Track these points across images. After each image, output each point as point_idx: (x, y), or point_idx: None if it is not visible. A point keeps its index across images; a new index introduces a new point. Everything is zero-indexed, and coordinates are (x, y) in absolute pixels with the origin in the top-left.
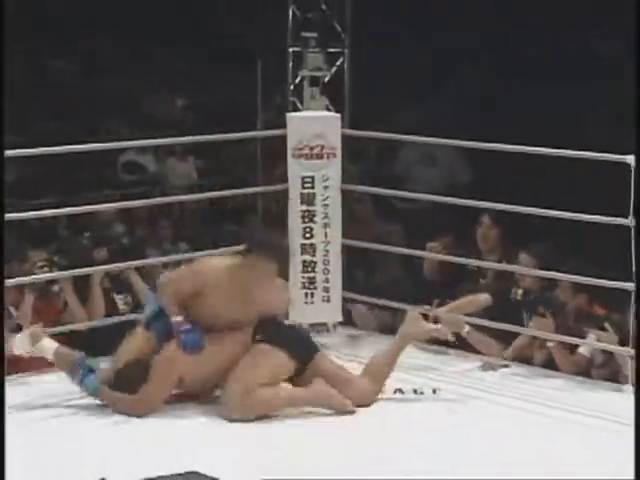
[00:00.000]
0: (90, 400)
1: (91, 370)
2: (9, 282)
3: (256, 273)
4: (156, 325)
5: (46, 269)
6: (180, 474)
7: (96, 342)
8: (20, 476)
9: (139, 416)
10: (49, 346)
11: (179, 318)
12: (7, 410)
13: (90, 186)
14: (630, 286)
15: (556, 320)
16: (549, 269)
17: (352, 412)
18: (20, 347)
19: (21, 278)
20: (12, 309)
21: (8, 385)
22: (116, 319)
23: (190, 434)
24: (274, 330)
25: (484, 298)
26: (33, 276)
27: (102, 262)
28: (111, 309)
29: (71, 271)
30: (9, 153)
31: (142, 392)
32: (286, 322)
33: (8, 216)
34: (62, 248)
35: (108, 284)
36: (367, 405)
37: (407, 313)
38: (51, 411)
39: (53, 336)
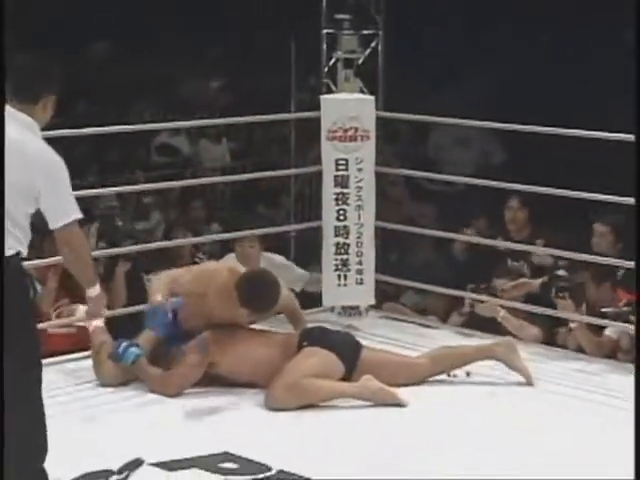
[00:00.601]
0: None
1: (132, 344)
2: (36, 262)
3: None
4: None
5: None
6: (213, 454)
7: (118, 330)
8: (55, 455)
9: (168, 394)
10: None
11: (158, 298)
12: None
13: (122, 168)
14: None
15: (575, 302)
16: (577, 251)
17: (403, 405)
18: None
19: (42, 260)
20: (38, 285)
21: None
22: (138, 308)
23: (224, 417)
24: (320, 334)
25: (537, 283)
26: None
27: (127, 251)
28: (137, 290)
29: (100, 251)
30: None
31: (174, 371)
32: (329, 327)
33: None
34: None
35: (135, 265)
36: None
37: (506, 339)
38: (83, 392)
39: None
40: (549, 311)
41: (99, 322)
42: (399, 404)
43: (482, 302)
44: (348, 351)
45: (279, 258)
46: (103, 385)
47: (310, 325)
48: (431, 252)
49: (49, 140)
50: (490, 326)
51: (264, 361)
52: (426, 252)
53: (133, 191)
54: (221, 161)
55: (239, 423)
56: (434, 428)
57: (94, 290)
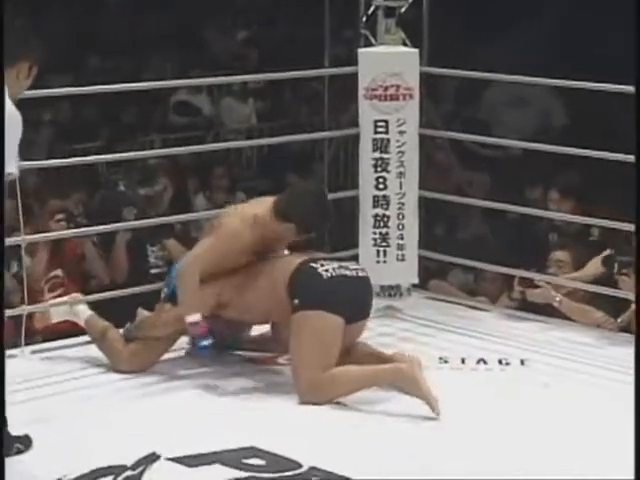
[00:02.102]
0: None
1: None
2: (21, 239)
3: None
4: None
5: (63, 223)
6: (238, 449)
7: (118, 306)
8: (63, 448)
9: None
10: (83, 312)
11: (195, 319)
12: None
13: (136, 130)
14: None
15: None
16: None
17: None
18: (57, 314)
19: (32, 236)
20: (27, 258)
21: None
22: (143, 288)
23: (252, 407)
24: (309, 287)
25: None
26: (45, 234)
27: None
28: (141, 262)
29: (88, 229)
30: (57, 91)
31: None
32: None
33: (48, 162)
34: (86, 200)
35: (140, 235)
36: None
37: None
38: (89, 378)
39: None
40: (611, 291)
41: (83, 309)
42: (431, 407)
43: (534, 287)
44: (343, 306)
45: None
46: (119, 371)
47: (303, 261)
48: (482, 225)
49: (57, 98)
50: (544, 309)
51: (270, 299)
52: (476, 225)
53: (147, 157)
54: (247, 123)
55: (268, 414)
56: (469, 422)
57: None
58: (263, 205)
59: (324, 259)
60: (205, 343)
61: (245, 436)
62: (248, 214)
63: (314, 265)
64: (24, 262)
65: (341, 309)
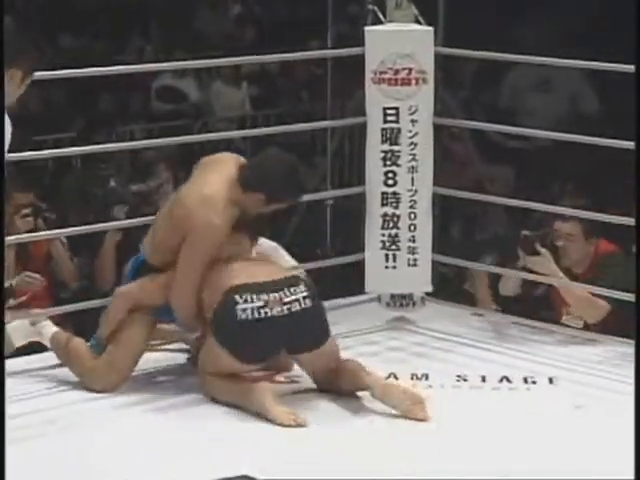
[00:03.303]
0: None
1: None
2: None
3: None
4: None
5: (30, 219)
6: (228, 478)
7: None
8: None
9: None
10: (48, 328)
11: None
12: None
13: (114, 119)
14: None
15: None
16: None
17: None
18: (19, 337)
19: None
20: None
21: None
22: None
23: (243, 434)
24: (221, 323)
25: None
26: (14, 236)
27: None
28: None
29: (57, 231)
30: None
31: None
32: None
33: (16, 155)
34: (51, 194)
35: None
36: None
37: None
38: (64, 402)
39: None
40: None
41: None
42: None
43: (535, 254)
44: (255, 355)
45: (268, 244)
46: (91, 390)
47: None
48: (504, 226)
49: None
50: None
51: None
52: (497, 226)
53: (126, 148)
54: (239, 110)
55: (260, 441)
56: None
57: None
58: (222, 176)
59: (258, 290)
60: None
61: (236, 464)
62: (216, 192)
63: (237, 298)
64: None
65: (244, 355)
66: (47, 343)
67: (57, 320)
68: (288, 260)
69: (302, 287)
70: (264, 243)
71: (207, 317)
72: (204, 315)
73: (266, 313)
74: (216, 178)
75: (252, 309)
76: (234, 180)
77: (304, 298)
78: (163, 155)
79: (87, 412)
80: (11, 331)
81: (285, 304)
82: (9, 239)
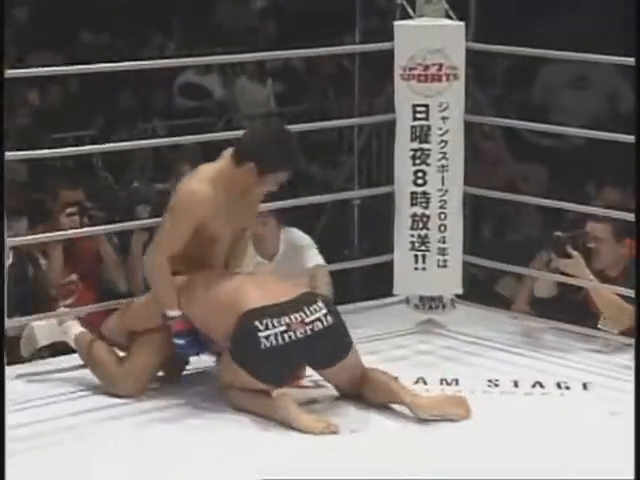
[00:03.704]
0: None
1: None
2: (32, 238)
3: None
4: None
5: (76, 218)
6: None
7: None
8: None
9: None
10: (74, 329)
11: (173, 313)
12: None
13: (136, 116)
14: None
15: None
16: None
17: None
18: (45, 336)
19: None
20: (41, 259)
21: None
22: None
23: (259, 440)
24: (244, 350)
25: None
26: (59, 232)
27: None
28: None
29: (104, 227)
30: (44, 71)
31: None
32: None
33: (40, 152)
34: (98, 192)
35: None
36: None
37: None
38: (86, 408)
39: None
40: None
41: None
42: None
43: (567, 257)
44: (286, 376)
45: (299, 235)
46: (114, 396)
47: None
48: (537, 227)
49: (43, 79)
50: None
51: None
52: (530, 227)
53: (148, 146)
54: (264, 107)
55: (277, 448)
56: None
57: None
58: (214, 164)
59: (278, 313)
60: (180, 342)
61: (252, 471)
62: (204, 171)
63: (258, 325)
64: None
65: (270, 378)
66: (72, 344)
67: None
68: (314, 258)
69: (320, 304)
70: (294, 233)
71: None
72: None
73: (290, 337)
74: (209, 165)
75: (275, 335)
76: (227, 160)
77: (325, 316)
78: (186, 153)
79: (106, 419)
80: (37, 330)
81: (307, 324)
82: (51, 235)
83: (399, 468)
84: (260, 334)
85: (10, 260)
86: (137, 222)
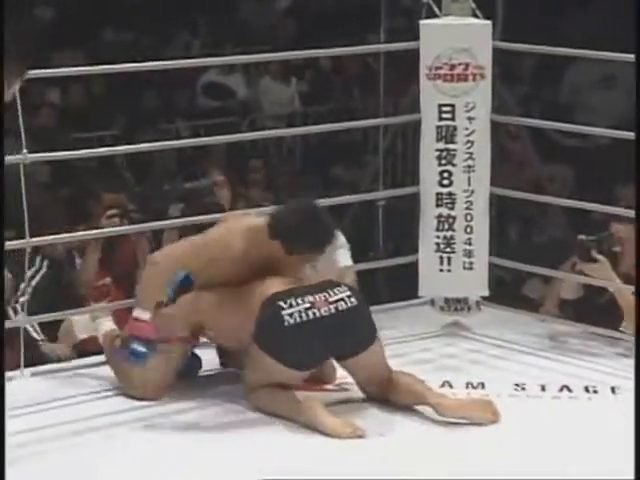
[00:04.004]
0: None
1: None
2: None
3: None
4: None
5: (116, 220)
6: None
7: None
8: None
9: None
10: (102, 327)
11: (143, 316)
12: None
13: (158, 116)
14: None
15: None
16: None
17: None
18: (81, 329)
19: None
20: (77, 257)
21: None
22: None
23: (259, 439)
24: (268, 332)
25: None
26: (96, 230)
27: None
28: None
29: (138, 226)
30: (65, 71)
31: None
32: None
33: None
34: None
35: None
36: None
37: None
38: (101, 411)
39: None
40: None
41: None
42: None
43: (592, 261)
44: (309, 359)
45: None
46: (131, 397)
47: (273, 296)
48: (564, 228)
49: (64, 79)
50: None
51: (243, 327)
52: (557, 228)
53: (172, 147)
54: (288, 107)
55: (278, 447)
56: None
57: None
58: (262, 218)
59: (301, 293)
60: (140, 348)
61: (252, 471)
62: (243, 223)
63: (281, 304)
64: (28, 267)
65: (295, 361)
66: (101, 340)
67: None
68: (343, 259)
69: (344, 287)
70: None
71: (224, 341)
72: (220, 340)
73: (314, 314)
74: (253, 218)
75: (299, 312)
76: (265, 224)
77: (348, 297)
78: (211, 153)
79: (124, 422)
80: (75, 323)
81: (331, 303)
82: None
83: (424, 471)
84: (284, 312)
85: (44, 270)
86: (167, 222)
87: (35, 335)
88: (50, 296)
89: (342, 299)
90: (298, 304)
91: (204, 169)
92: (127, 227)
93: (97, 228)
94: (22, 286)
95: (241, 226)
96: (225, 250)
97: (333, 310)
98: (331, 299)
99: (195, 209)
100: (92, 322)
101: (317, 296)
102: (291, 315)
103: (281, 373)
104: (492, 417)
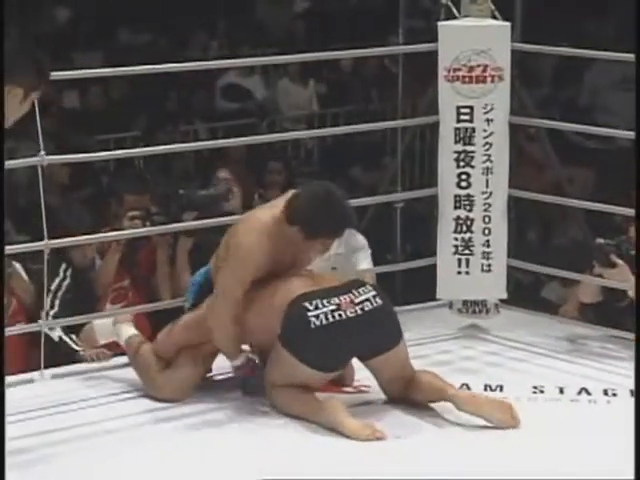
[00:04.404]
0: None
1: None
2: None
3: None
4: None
5: (137, 222)
6: None
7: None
8: None
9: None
10: (125, 333)
11: (239, 362)
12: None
13: (177, 118)
14: None
15: None
16: None
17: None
18: (103, 334)
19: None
20: (98, 258)
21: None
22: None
23: (260, 439)
24: (294, 333)
25: None
26: (114, 232)
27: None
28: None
29: (155, 228)
30: (83, 73)
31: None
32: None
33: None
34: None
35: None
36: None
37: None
38: (119, 413)
39: None
40: None
41: (125, 328)
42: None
43: (612, 266)
44: (335, 360)
45: (356, 238)
46: (154, 399)
47: (298, 297)
48: (583, 231)
49: (82, 80)
50: None
51: (269, 326)
52: (576, 230)
53: (191, 149)
54: (307, 109)
55: (278, 446)
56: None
57: None
58: (273, 209)
59: (327, 294)
60: (252, 382)
61: (252, 470)
62: (263, 221)
63: (307, 305)
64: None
65: (321, 363)
66: (123, 345)
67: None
68: (363, 261)
69: (369, 287)
70: (353, 234)
71: (251, 340)
72: (247, 338)
73: (340, 315)
74: (267, 210)
75: (325, 314)
76: (281, 212)
77: (374, 297)
78: (229, 154)
79: (144, 424)
80: (97, 328)
81: (357, 304)
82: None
83: (441, 473)
84: (310, 314)
85: (68, 280)
86: (185, 224)
87: (74, 346)
88: (71, 300)
89: (368, 299)
90: (325, 305)
91: (215, 170)
92: (145, 229)
93: (119, 230)
94: (48, 299)
95: (262, 226)
96: (258, 258)
97: (359, 311)
98: (357, 300)
99: (209, 217)
100: (113, 326)
101: (343, 297)
102: (317, 317)
103: (305, 374)
104: (512, 421)
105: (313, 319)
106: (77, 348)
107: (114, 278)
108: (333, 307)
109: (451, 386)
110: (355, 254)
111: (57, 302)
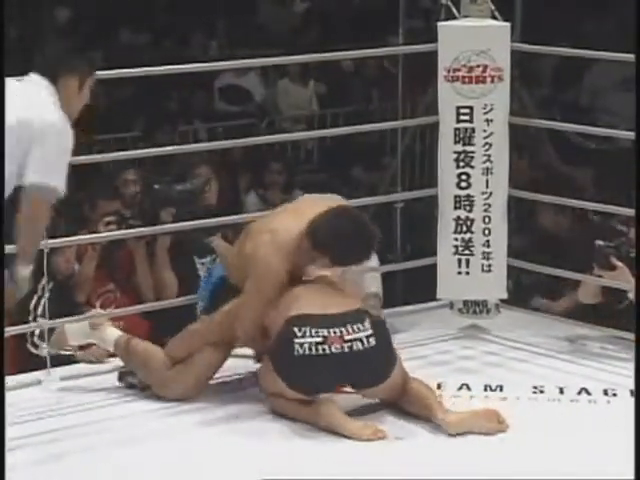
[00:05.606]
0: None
1: None
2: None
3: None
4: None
5: (113, 227)
6: None
7: (165, 322)
8: None
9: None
10: (110, 336)
11: None
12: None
13: (176, 118)
14: None
15: None
16: None
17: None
18: (75, 336)
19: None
20: (76, 265)
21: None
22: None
23: (261, 440)
24: (279, 356)
25: None
26: (93, 234)
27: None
28: (190, 275)
29: (132, 230)
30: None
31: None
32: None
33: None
34: (134, 200)
35: (188, 245)
36: None
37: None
38: (124, 413)
39: None
40: None
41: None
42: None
43: (612, 269)
44: (315, 390)
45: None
46: (163, 398)
47: (291, 319)
48: (583, 231)
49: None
50: None
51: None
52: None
53: (191, 151)
54: (306, 109)
55: (279, 446)
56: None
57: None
58: (300, 223)
59: (319, 323)
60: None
61: (253, 471)
62: (286, 239)
63: (296, 331)
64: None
65: (302, 389)
66: (111, 348)
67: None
68: (371, 284)
69: (367, 324)
70: None
71: (267, 341)
72: (266, 338)
73: (324, 350)
74: (293, 224)
75: (310, 344)
76: (304, 234)
77: (367, 337)
78: (230, 154)
79: (146, 424)
80: (67, 330)
81: (346, 342)
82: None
83: (440, 473)
84: (296, 340)
85: (51, 284)
86: (163, 226)
87: (66, 352)
88: (53, 306)
89: (360, 339)
90: (312, 336)
91: (192, 167)
92: (121, 232)
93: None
94: (33, 301)
95: (282, 243)
96: (278, 276)
97: (346, 349)
98: (347, 337)
99: (187, 213)
100: (93, 330)
101: (332, 331)
102: (302, 345)
103: (285, 391)
104: (499, 426)
105: (297, 347)
106: (70, 352)
107: (97, 283)
108: (319, 340)
109: (440, 407)
110: (367, 275)
111: (40, 307)
